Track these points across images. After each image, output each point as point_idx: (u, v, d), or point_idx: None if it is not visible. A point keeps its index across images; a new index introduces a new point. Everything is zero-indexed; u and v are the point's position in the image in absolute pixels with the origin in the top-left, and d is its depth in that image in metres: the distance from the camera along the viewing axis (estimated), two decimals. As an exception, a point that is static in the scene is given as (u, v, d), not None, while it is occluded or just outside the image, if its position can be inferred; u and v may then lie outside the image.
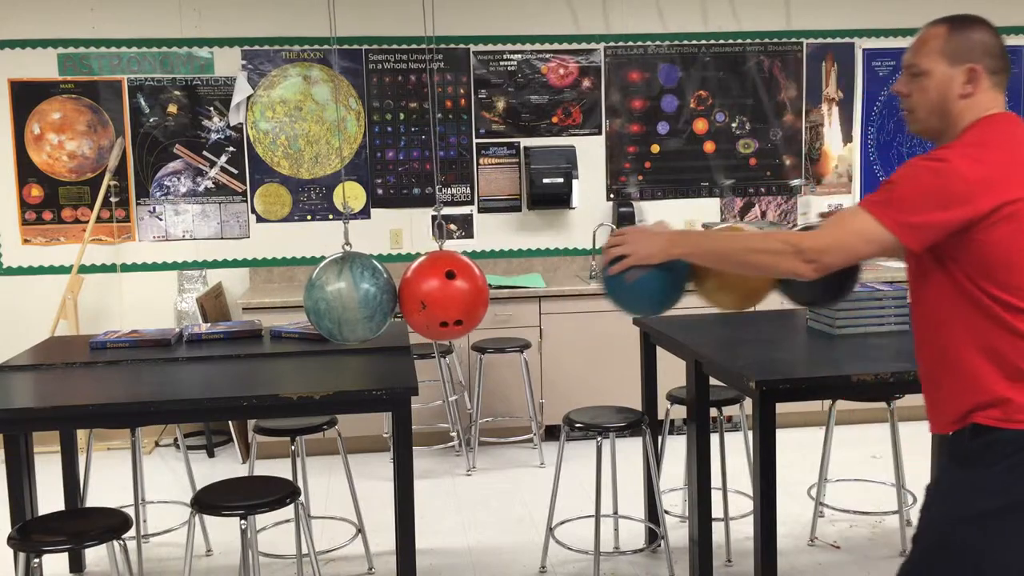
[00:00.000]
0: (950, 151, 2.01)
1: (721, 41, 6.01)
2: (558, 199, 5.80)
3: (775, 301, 5.89)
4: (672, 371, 4.05)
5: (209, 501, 3.00)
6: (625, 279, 2.31)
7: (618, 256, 2.30)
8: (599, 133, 5.98)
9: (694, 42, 5.99)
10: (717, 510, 3.76)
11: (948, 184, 1.95)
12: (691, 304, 5.58)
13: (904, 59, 2.18)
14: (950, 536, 1.99)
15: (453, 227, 5.94)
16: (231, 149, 5.73)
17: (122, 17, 5.59)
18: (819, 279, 2.18)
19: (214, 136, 5.71)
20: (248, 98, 5.70)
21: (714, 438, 3.64)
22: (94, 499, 4.41)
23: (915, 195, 1.97)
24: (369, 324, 2.93)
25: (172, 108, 5.67)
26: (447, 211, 5.92)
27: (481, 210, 5.94)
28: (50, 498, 4.11)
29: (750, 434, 3.44)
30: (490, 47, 5.87)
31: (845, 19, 6.09)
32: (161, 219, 5.72)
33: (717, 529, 3.73)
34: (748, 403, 3.47)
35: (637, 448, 4.27)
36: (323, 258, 5.76)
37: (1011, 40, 6.13)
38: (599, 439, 3.62)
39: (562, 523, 4.19)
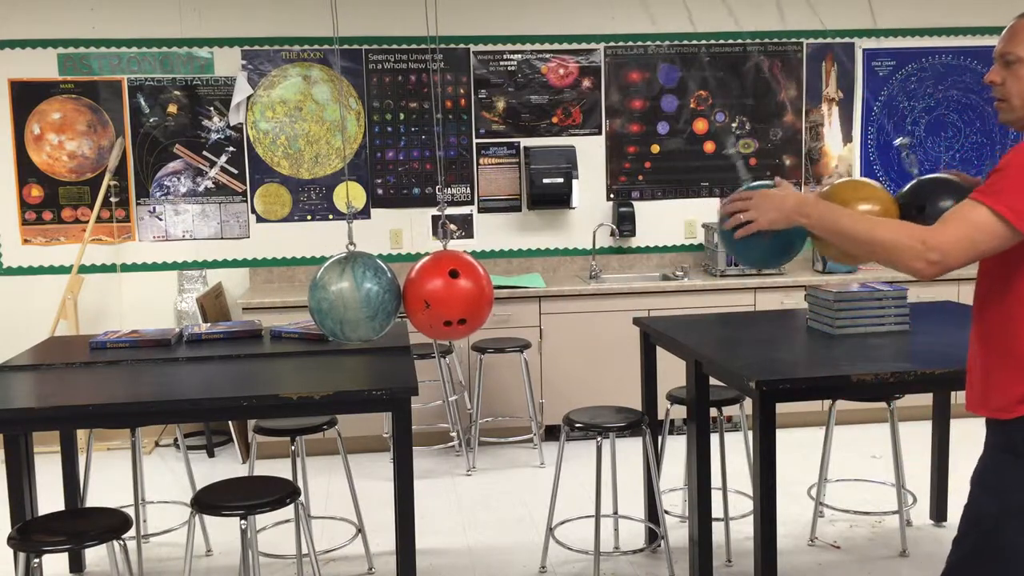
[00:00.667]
0: None
1: (721, 41, 6.01)
2: (558, 199, 5.80)
3: (775, 301, 5.87)
4: (672, 371, 4.05)
5: (209, 501, 3.00)
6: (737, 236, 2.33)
7: (741, 219, 2.28)
8: (599, 133, 5.98)
9: (694, 42, 6.00)
10: (717, 510, 3.76)
11: None
12: (691, 304, 5.60)
13: (996, 50, 2.18)
14: (1003, 531, 2.00)
15: (453, 227, 5.94)
16: (231, 149, 5.73)
17: (122, 17, 5.59)
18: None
19: (214, 136, 5.71)
20: (248, 98, 5.70)
21: (714, 438, 3.64)
22: (94, 499, 4.41)
23: None
24: (371, 324, 2.93)
25: (172, 108, 5.67)
26: (447, 211, 5.92)
27: (481, 210, 5.94)
28: (50, 498, 4.11)
29: (750, 434, 3.44)
30: (490, 47, 5.87)
31: (844, 19, 6.09)
32: (161, 219, 5.72)
33: (717, 529, 3.73)
34: (748, 403, 3.47)
35: (637, 448, 4.27)
36: (324, 258, 5.80)
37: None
38: (599, 439, 3.62)
39: (562, 523, 4.19)
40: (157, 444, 5.69)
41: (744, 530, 4.04)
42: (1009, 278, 2.07)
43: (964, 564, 2.11)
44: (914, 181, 2.56)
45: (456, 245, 5.91)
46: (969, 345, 2.26)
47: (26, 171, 5.61)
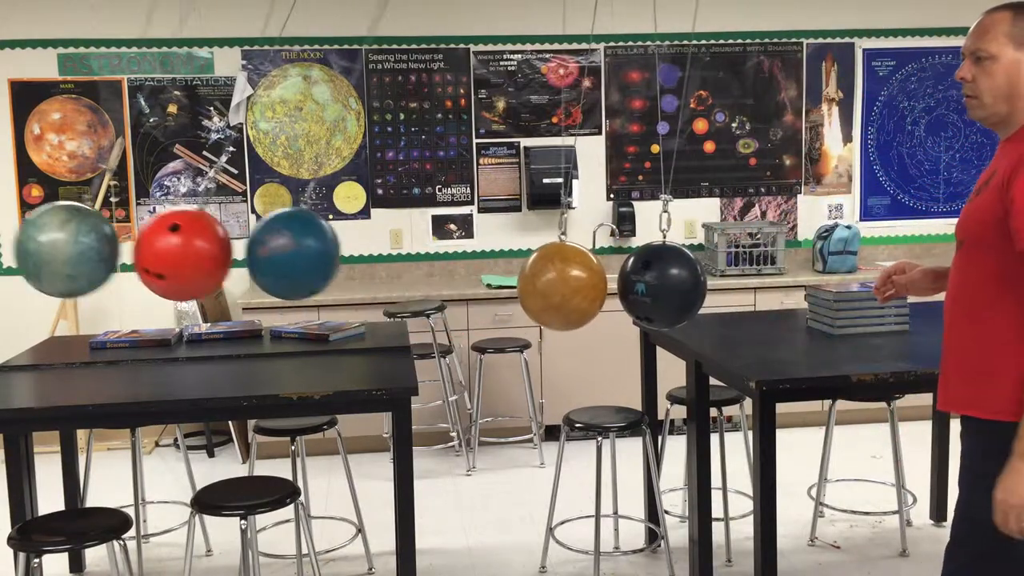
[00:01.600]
0: None
1: (721, 41, 6.01)
2: (558, 199, 5.80)
3: (775, 301, 5.87)
4: (672, 371, 4.05)
5: (209, 501, 3.01)
6: None
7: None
8: (599, 133, 5.98)
9: (694, 42, 6.00)
10: (717, 510, 3.76)
11: None
12: (691, 304, 5.49)
13: (965, 46, 2.18)
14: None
15: (453, 227, 5.94)
16: (231, 149, 5.73)
17: (122, 17, 5.59)
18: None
19: (214, 136, 5.71)
20: (248, 98, 5.70)
21: (714, 438, 3.64)
22: (94, 499, 4.41)
23: None
24: (71, 284, 2.83)
25: (172, 108, 5.67)
26: (447, 211, 5.92)
27: (481, 210, 5.94)
28: (50, 498, 4.11)
29: (750, 434, 3.44)
30: (490, 47, 5.87)
31: (845, 19, 6.09)
32: (161, 219, 5.71)
33: (717, 529, 3.72)
34: (748, 403, 3.47)
35: (637, 448, 4.27)
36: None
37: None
38: (599, 439, 3.62)
39: (562, 523, 4.19)
40: (157, 444, 5.69)
41: (744, 530, 4.04)
42: (1003, 280, 2.08)
43: (980, 559, 2.11)
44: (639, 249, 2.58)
45: (456, 245, 5.93)
46: (945, 343, 2.26)
47: (26, 171, 5.61)
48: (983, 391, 2.10)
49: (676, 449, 4.93)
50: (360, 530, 4.00)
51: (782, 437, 3.13)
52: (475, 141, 5.90)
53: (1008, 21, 2.11)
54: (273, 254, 2.67)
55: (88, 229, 2.68)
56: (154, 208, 5.70)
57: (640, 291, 2.46)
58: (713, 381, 3.46)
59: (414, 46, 5.81)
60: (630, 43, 5.95)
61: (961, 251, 2.22)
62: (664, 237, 2.65)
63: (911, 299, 3.70)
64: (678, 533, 4.07)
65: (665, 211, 2.91)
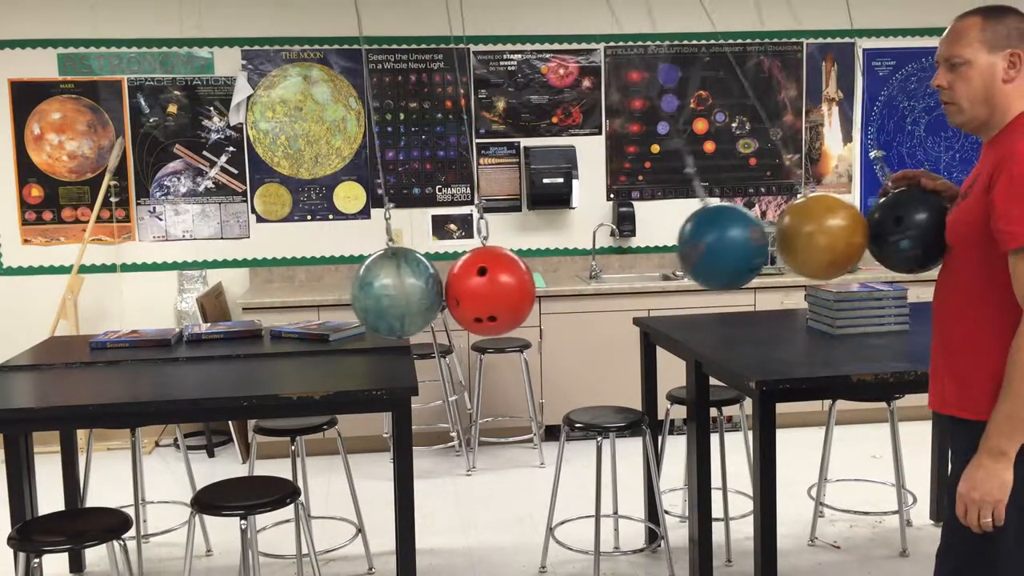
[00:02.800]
0: None
1: (721, 41, 6.01)
2: (558, 199, 5.80)
3: (775, 301, 5.87)
4: (672, 371, 4.05)
5: (209, 501, 3.00)
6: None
7: (990, 522, 2.06)
8: (599, 133, 5.99)
9: (694, 42, 6.00)
10: (717, 510, 3.76)
11: None
12: (691, 304, 5.60)
13: (939, 54, 2.20)
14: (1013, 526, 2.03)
15: (453, 227, 5.94)
16: (231, 149, 5.73)
17: (122, 17, 5.59)
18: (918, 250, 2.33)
19: (214, 136, 5.71)
20: (248, 98, 5.70)
21: (714, 438, 3.63)
22: (94, 499, 4.41)
23: None
24: (429, 315, 2.88)
25: (172, 108, 5.67)
26: (447, 211, 5.92)
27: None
28: (50, 498, 4.11)
29: (750, 434, 3.44)
30: (490, 47, 5.87)
31: (845, 19, 6.09)
32: (161, 219, 5.72)
33: (717, 529, 3.72)
34: (748, 403, 3.47)
35: (637, 448, 4.27)
36: (325, 258, 5.80)
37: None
38: (599, 439, 3.62)
39: (562, 523, 4.19)
40: (157, 444, 5.69)
41: (744, 530, 4.04)
42: (988, 283, 2.08)
43: (966, 571, 2.12)
44: (888, 195, 2.57)
45: (456, 245, 5.92)
46: (934, 345, 2.27)
47: (26, 171, 5.61)
48: (970, 392, 2.12)
49: (676, 449, 4.93)
50: (360, 530, 4.00)
51: (782, 437, 3.13)
52: (475, 141, 5.90)
53: (979, 26, 2.13)
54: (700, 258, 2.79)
55: (415, 262, 2.81)
56: (154, 208, 5.70)
57: (906, 247, 2.48)
58: (713, 381, 3.46)
59: (414, 46, 5.81)
60: (630, 43, 5.95)
61: (950, 254, 2.24)
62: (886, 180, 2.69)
63: (911, 299, 3.71)
64: (678, 533, 4.07)
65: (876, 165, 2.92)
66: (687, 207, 6.07)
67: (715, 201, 3.44)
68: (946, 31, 2.20)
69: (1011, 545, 2.05)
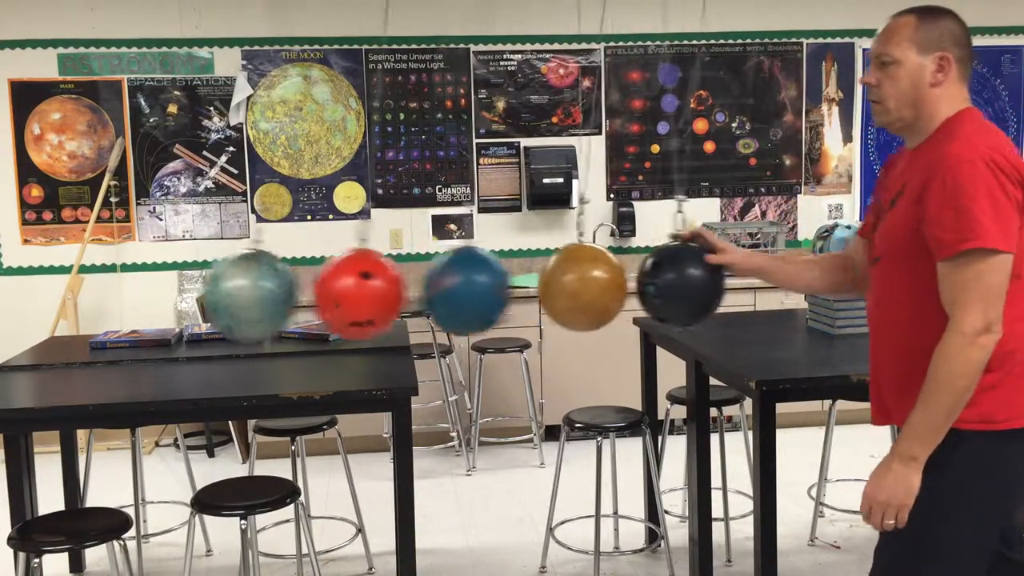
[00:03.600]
0: (973, 146, 1.98)
1: (721, 41, 6.01)
2: (558, 199, 5.80)
3: (775, 301, 5.87)
4: (672, 371, 4.05)
5: (209, 501, 3.00)
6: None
7: (892, 522, 2.05)
8: (599, 133, 5.99)
9: (694, 42, 6.00)
10: (717, 510, 3.76)
11: (1006, 174, 1.95)
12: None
13: (872, 50, 2.17)
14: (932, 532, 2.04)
15: (453, 227, 5.94)
16: (231, 149, 5.73)
17: (122, 17, 5.59)
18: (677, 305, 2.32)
19: (214, 136, 5.71)
20: (248, 98, 5.70)
21: (714, 438, 3.63)
22: (94, 499, 4.41)
23: (996, 203, 1.93)
24: (261, 327, 2.84)
25: (172, 108, 5.67)
26: (447, 211, 5.92)
27: (481, 210, 5.94)
28: (50, 498, 4.10)
29: (750, 434, 3.44)
30: (490, 47, 5.87)
31: (845, 19, 6.09)
32: (161, 219, 5.72)
33: (717, 529, 3.72)
34: (748, 403, 3.47)
35: (637, 448, 4.27)
36: (324, 258, 5.79)
37: (1012, 40, 6.13)
38: (599, 439, 3.62)
39: (562, 523, 4.19)
40: (157, 444, 5.69)
41: (744, 530, 4.04)
42: (925, 290, 2.04)
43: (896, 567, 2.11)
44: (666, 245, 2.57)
45: (456, 245, 5.91)
46: (872, 358, 2.23)
47: (26, 171, 5.61)
48: (914, 399, 2.05)
49: (676, 449, 4.92)
50: (360, 530, 4.00)
51: (782, 437, 3.13)
52: (475, 141, 5.90)
53: (912, 26, 2.09)
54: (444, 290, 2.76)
55: (265, 267, 2.74)
56: (154, 208, 5.70)
57: (651, 292, 2.47)
58: (713, 381, 3.46)
59: (414, 46, 5.81)
60: (630, 43, 5.95)
61: (879, 265, 2.17)
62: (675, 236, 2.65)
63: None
64: (678, 533, 4.06)
65: (680, 211, 2.91)
66: (687, 207, 6.09)
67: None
68: (881, 28, 2.16)
69: (945, 549, 2.05)
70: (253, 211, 5.78)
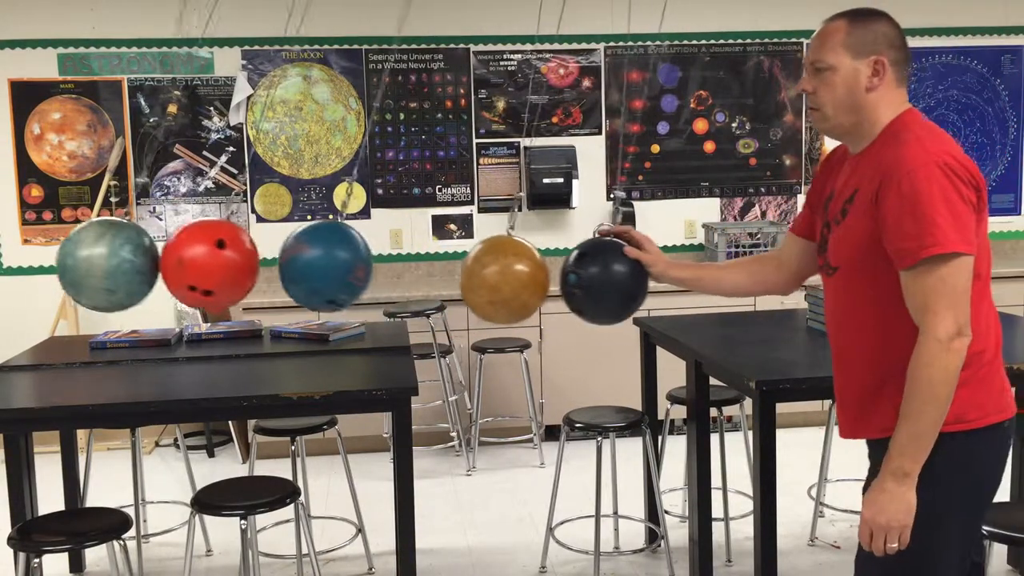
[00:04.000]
0: (926, 150, 1.95)
1: (721, 41, 6.01)
2: (558, 199, 5.80)
3: (775, 301, 5.88)
4: (672, 371, 4.05)
5: (209, 501, 3.01)
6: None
7: (895, 546, 2.04)
8: (599, 133, 5.99)
9: (694, 42, 6.00)
10: (717, 510, 3.76)
11: (960, 177, 1.94)
12: (691, 304, 5.60)
13: (807, 57, 2.15)
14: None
15: (453, 227, 5.94)
16: (231, 149, 5.73)
17: (122, 17, 5.59)
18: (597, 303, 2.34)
19: (214, 136, 5.71)
20: (248, 98, 5.70)
21: (714, 438, 3.63)
22: (94, 499, 4.41)
23: (952, 207, 1.91)
24: (109, 297, 2.83)
25: (172, 108, 5.67)
26: (447, 211, 5.92)
27: (481, 210, 5.94)
28: (50, 498, 4.10)
29: (750, 434, 3.44)
30: (490, 47, 5.87)
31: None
32: (161, 219, 5.72)
33: (717, 529, 3.72)
34: (748, 403, 3.46)
35: (637, 448, 4.27)
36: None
37: (1012, 40, 6.13)
38: (599, 439, 3.62)
39: (562, 523, 4.19)
40: (157, 444, 5.69)
41: (744, 530, 4.04)
42: (887, 299, 2.02)
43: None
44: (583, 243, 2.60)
45: (456, 245, 5.93)
46: (836, 372, 2.19)
47: (26, 171, 5.61)
48: (885, 410, 2.04)
49: (676, 449, 4.93)
50: (360, 530, 4.00)
51: (782, 437, 3.13)
52: (475, 141, 5.90)
53: (844, 30, 2.06)
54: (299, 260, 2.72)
55: (123, 242, 2.68)
56: (154, 208, 5.70)
57: (572, 281, 2.48)
58: (713, 381, 3.46)
59: (414, 46, 5.81)
60: (630, 43, 5.95)
61: (835, 277, 2.13)
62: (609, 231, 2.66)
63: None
64: (678, 533, 4.07)
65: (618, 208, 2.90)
66: (687, 207, 6.09)
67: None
68: (815, 33, 2.13)
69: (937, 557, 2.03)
70: (253, 211, 5.78)
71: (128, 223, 2.82)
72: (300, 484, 3.73)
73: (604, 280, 2.46)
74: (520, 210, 2.85)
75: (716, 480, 3.77)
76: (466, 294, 2.63)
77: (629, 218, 5.92)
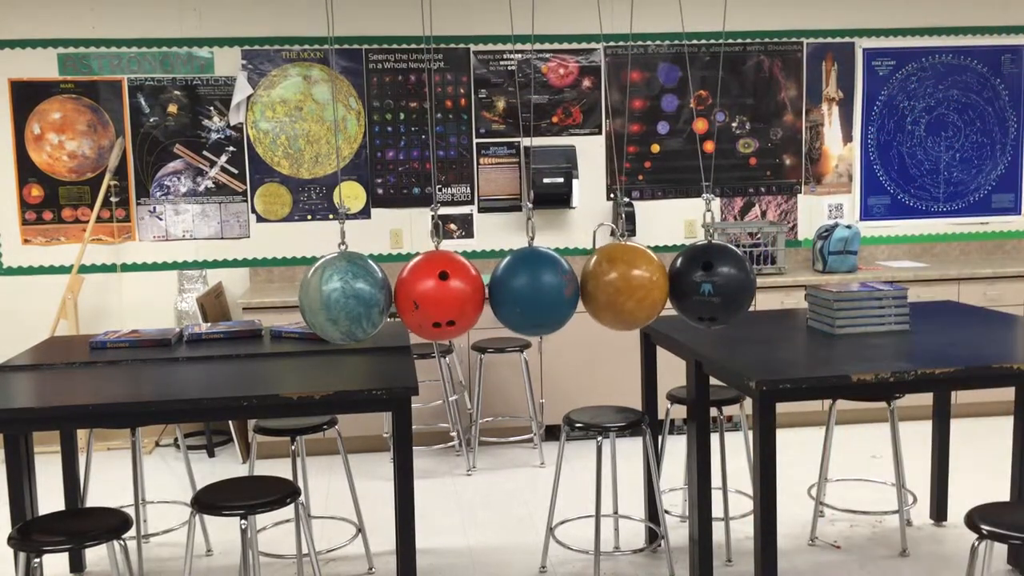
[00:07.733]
0: None
1: (721, 41, 6.01)
2: (558, 199, 5.80)
3: (775, 301, 5.87)
4: (672, 371, 4.06)
5: (209, 501, 3.01)
6: None
7: None
8: (599, 133, 5.99)
9: (694, 42, 6.00)
10: (717, 510, 3.76)
11: None
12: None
13: None
14: None
15: (453, 227, 5.94)
16: (231, 149, 5.73)
17: (122, 17, 5.60)
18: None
19: (214, 136, 5.71)
20: (248, 98, 5.70)
21: (714, 438, 3.64)
22: (94, 499, 4.41)
23: None
24: (365, 324, 2.88)
25: (172, 108, 5.67)
26: (447, 211, 5.92)
27: (481, 210, 5.94)
28: (50, 498, 4.11)
29: (750, 434, 3.44)
30: (490, 47, 5.87)
31: (845, 19, 6.09)
32: (161, 219, 5.72)
33: (717, 529, 3.73)
34: (748, 403, 3.47)
35: (637, 448, 4.28)
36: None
37: (1012, 40, 6.13)
38: (599, 439, 3.62)
39: (562, 523, 4.19)
40: (157, 444, 5.70)
41: (744, 530, 4.04)
42: None
43: None
44: (686, 248, 2.62)
45: (456, 245, 5.92)
46: None
47: (26, 171, 5.61)
48: None
49: (676, 449, 4.93)
50: (360, 530, 4.00)
51: (782, 437, 3.14)
52: (475, 141, 5.90)
53: None
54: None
55: (358, 268, 2.82)
56: (154, 208, 5.70)
57: (706, 291, 2.49)
58: (713, 381, 3.46)
59: (414, 46, 5.81)
60: (630, 43, 5.95)
61: None
62: (711, 236, 2.68)
63: (911, 299, 3.71)
64: (678, 533, 4.07)
65: (708, 210, 2.92)
66: (687, 207, 6.09)
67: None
68: None
69: None
70: (253, 211, 5.78)
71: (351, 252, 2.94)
72: (300, 484, 3.73)
73: (738, 284, 2.48)
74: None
75: (716, 480, 3.77)
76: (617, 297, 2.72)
77: (628, 217, 5.93)
